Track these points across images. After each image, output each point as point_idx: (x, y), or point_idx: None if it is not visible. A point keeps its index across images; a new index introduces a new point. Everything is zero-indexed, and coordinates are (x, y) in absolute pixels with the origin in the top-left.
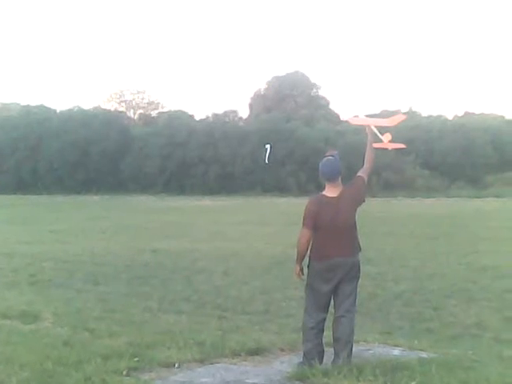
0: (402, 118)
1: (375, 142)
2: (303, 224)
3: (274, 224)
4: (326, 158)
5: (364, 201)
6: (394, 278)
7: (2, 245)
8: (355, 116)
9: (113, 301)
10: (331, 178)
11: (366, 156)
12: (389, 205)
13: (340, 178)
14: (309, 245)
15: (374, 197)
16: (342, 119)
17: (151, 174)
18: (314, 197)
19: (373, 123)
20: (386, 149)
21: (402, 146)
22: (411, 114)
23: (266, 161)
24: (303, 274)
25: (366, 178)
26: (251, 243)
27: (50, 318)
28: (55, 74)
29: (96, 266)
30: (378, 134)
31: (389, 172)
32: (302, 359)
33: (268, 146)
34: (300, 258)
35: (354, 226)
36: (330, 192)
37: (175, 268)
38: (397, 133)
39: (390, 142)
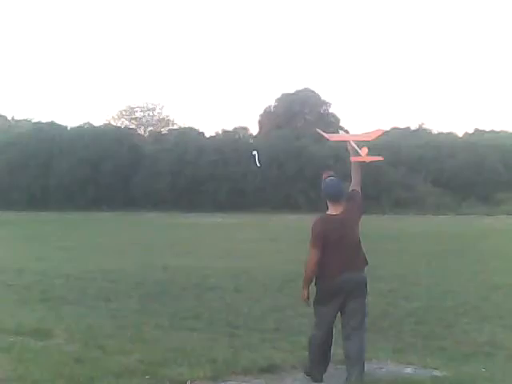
0: (379, 132)
1: (354, 156)
2: (312, 245)
3: (284, 241)
4: (329, 179)
5: (363, 214)
6: (405, 295)
7: (13, 261)
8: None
9: (124, 318)
10: (337, 199)
11: (352, 171)
12: (400, 222)
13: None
14: (317, 266)
15: (384, 214)
16: (319, 132)
17: (162, 191)
18: (319, 217)
19: (351, 138)
20: (364, 162)
21: (380, 158)
22: (421, 132)
23: (258, 164)
24: (309, 299)
25: (360, 192)
26: (262, 260)
27: (61, 334)
28: (66, 90)
29: (107, 282)
30: (357, 148)
31: (399, 189)
32: (305, 370)
33: (255, 152)
34: (308, 281)
35: (359, 241)
36: (334, 211)
37: (186, 285)
38: (407, 150)
39: (367, 155)
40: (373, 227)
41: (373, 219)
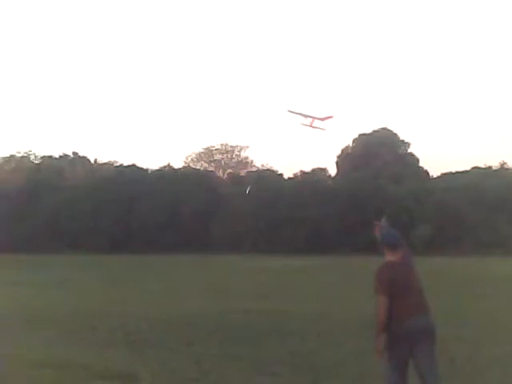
0: (331, 116)
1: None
2: (379, 292)
3: (365, 285)
4: (387, 230)
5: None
6: (490, 341)
7: (97, 304)
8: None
9: (206, 362)
10: (396, 247)
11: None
12: (482, 264)
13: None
14: (388, 312)
15: (466, 256)
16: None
17: (240, 234)
18: (383, 265)
19: (309, 116)
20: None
21: (330, 116)
22: (504, 171)
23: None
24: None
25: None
26: (342, 304)
27: (147, 378)
28: (147, 132)
29: (189, 326)
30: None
31: (482, 230)
32: None
33: (249, 188)
34: (381, 329)
35: (421, 287)
36: (395, 258)
37: (267, 329)
38: (490, 190)
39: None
40: (454, 269)
41: (454, 261)
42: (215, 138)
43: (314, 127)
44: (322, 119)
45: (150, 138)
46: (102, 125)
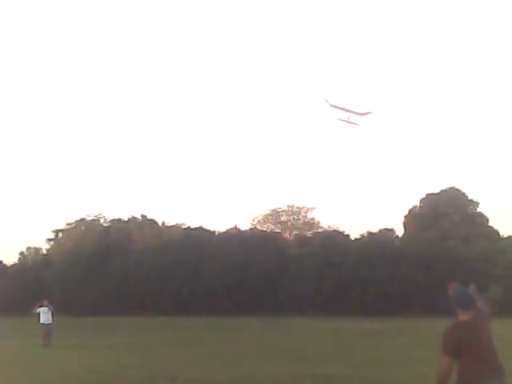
0: (369, 112)
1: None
2: (445, 353)
3: (435, 348)
4: (460, 289)
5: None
6: None
7: (164, 368)
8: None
9: None
10: (467, 307)
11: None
12: None
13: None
14: (451, 373)
15: None
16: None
17: (307, 295)
18: (452, 324)
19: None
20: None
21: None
22: None
23: None
24: None
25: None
26: (412, 368)
27: None
28: (214, 194)
29: None
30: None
31: None
32: None
33: None
34: None
35: (496, 347)
36: (466, 317)
37: None
38: None
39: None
40: None
41: None
42: (282, 200)
43: (349, 122)
44: (362, 114)
45: (217, 200)
46: (170, 188)
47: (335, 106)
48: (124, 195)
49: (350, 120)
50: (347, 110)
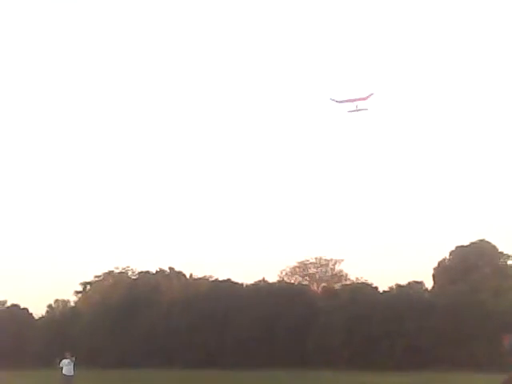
0: (372, 93)
1: None
2: None
3: None
4: None
5: None
6: None
7: None
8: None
9: None
10: None
11: None
12: None
13: None
14: None
15: None
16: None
17: (335, 348)
18: (507, 378)
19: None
20: None
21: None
22: None
23: None
24: None
25: None
26: None
27: None
28: (241, 246)
29: None
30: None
31: None
32: None
33: None
34: None
35: None
36: None
37: None
38: None
39: None
40: None
41: None
42: (309, 252)
43: (359, 110)
44: (365, 98)
45: (245, 252)
46: (198, 240)
47: (342, 101)
48: (152, 247)
49: (358, 108)
50: (353, 100)
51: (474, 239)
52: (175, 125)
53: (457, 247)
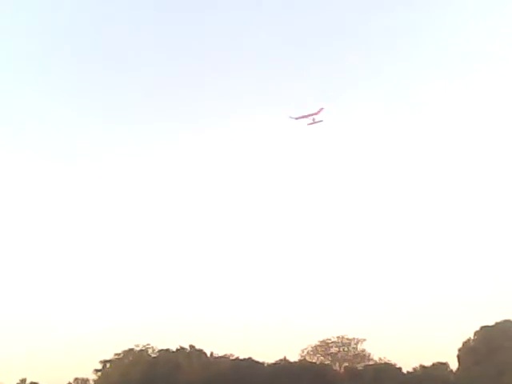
0: (322, 108)
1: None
2: None
3: None
4: None
5: None
6: None
7: None
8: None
9: None
10: None
11: None
12: None
13: None
14: None
15: None
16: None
17: None
18: None
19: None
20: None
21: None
22: None
23: None
24: None
25: None
26: None
27: None
28: (262, 325)
29: None
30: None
31: None
32: None
33: None
34: None
35: None
36: None
37: None
38: None
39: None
40: None
41: None
42: (331, 331)
43: (316, 122)
44: (317, 113)
45: (266, 330)
46: (219, 319)
47: (299, 117)
48: (173, 325)
49: (315, 120)
50: (307, 116)
51: (499, 319)
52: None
53: (481, 327)
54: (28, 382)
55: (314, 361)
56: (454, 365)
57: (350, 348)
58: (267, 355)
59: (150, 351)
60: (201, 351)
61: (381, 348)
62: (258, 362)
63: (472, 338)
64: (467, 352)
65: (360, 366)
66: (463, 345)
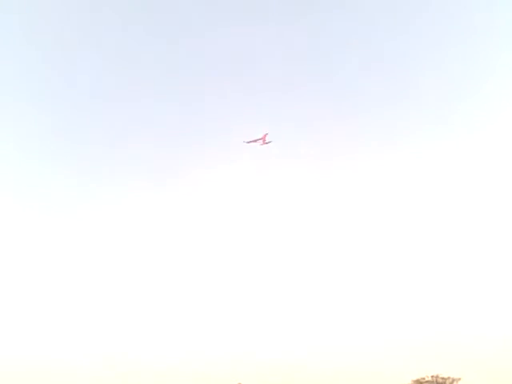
0: (266, 133)
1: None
2: None
3: None
4: None
5: None
6: None
7: None
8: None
9: None
10: None
11: None
12: None
13: None
14: None
15: None
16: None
17: None
18: None
19: (256, 139)
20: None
21: (266, 133)
22: None
23: None
24: None
25: None
26: None
27: None
28: (349, 364)
29: None
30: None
31: None
32: None
33: None
34: None
35: None
36: None
37: None
38: None
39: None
40: None
41: None
42: (425, 370)
43: (266, 143)
44: (263, 137)
45: (355, 368)
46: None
47: (250, 141)
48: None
49: (267, 142)
50: (256, 140)
51: None
52: None
53: None
54: None
55: None
56: None
57: None
58: None
59: None
60: None
61: None
62: None
63: None
64: None
65: None
66: None
